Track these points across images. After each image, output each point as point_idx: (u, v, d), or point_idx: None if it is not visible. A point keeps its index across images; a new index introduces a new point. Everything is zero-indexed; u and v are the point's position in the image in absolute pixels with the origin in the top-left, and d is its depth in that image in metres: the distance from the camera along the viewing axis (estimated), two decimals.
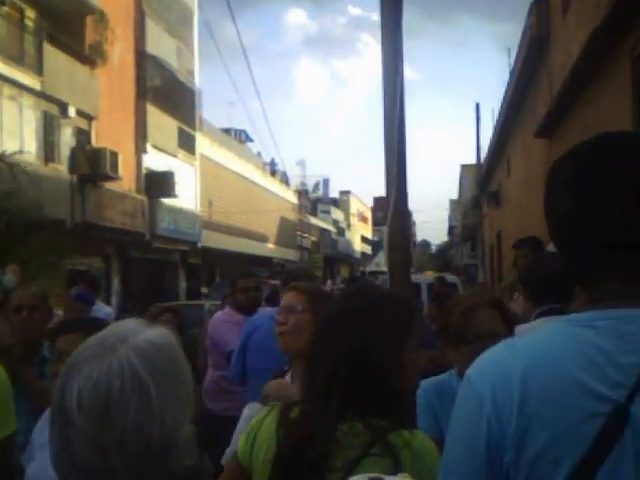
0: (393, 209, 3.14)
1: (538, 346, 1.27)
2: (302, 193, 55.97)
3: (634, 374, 1.19)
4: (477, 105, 34.05)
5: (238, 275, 6.18)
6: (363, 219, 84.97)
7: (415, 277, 20.91)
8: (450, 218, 71.90)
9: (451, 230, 68.48)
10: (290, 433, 1.82)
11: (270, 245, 41.62)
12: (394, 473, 1.51)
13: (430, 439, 1.80)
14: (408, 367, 1.87)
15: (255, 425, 1.96)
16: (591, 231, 1.29)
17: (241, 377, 4.75)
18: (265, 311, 5.37)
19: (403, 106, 3.11)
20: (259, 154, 46.38)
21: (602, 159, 1.31)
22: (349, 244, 75.02)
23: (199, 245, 28.99)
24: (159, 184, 25.18)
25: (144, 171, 25.25)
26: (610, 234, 1.28)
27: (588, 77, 11.64)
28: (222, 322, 6.00)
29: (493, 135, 27.23)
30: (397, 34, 3.14)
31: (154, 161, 25.70)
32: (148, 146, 25.38)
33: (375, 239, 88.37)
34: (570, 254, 1.34)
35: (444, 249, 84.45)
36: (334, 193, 78.94)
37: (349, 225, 78.56)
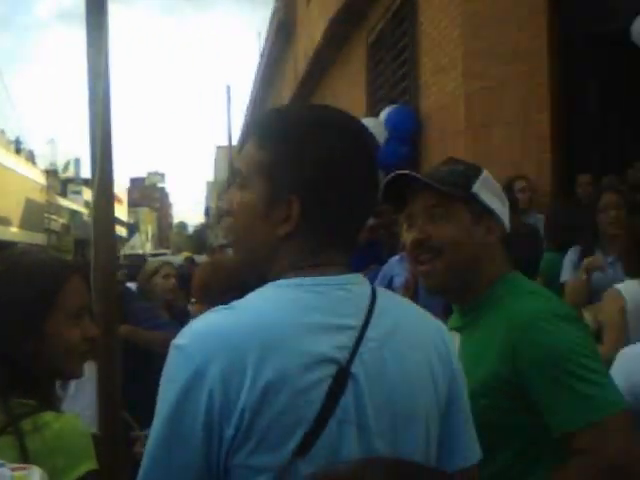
0: (99, 173, 2.99)
1: (264, 312, 1.24)
2: (51, 173, 53.01)
3: (353, 336, 1.24)
4: (228, 88, 34.23)
5: None
6: (118, 200, 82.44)
7: (168, 258, 20.88)
8: (207, 199, 72.19)
9: (207, 211, 68.76)
10: None
11: (13, 229, 38.98)
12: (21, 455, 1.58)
13: (80, 421, 1.77)
14: (52, 339, 1.80)
15: None
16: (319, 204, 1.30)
17: None
18: None
19: (108, 83, 2.98)
20: (2, 132, 43.17)
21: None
22: None
23: None
24: None
25: None
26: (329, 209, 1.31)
27: (328, 63, 12.15)
28: None
29: (245, 117, 27.61)
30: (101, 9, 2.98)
31: None
32: None
33: (131, 221, 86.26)
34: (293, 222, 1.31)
35: (201, 230, 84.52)
36: (87, 173, 75.81)
37: None
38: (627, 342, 2.99)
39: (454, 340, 1.78)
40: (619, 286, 3.46)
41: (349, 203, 1.32)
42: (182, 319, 4.66)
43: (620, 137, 8.16)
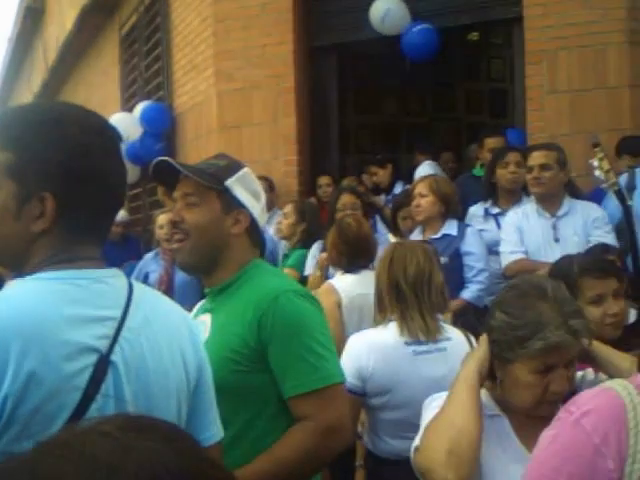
0: None
1: (26, 304, 1.25)
2: None
3: (113, 326, 1.32)
4: None
5: None
6: None
7: None
8: None
9: None
10: None
11: None
12: None
13: None
14: None
15: None
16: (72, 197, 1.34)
17: None
18: None
19: None
20: None
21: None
22: None
23: None
24: None
25: None
26: (92, 202, 1.36)
27: (81, 53, 11.76)
28: None
29: None
30: None
31: None
32: None
33: None
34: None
35: None
36: None
37: None
38: (343, 333, 3.30)
39: (206, 321, 1.99)
40: (332, 281, 3.75)
41: (100, 198, 1.38)
42: None
43: (357, 142, 8.80)
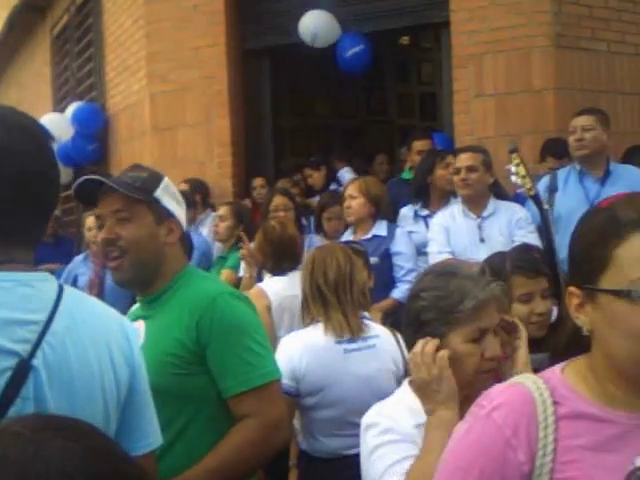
0: None
1: None
2: None
3: (35, 330, 1.30)
4: None
5: None
6: None
7: None
8: None
9: None
10: None
11: None
12: None
13: None
14: None
15: None
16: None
17: None
18: None
19: None
20: None
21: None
22: None
23: None
24: None
25: None
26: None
27: (12, 54, 11.54)
28: None
29: None
30: None
31: None
32: None
33: None
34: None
35: None
36: None
37: None
38: (273, 336, 3.34)
39: (140, 328, 1.99)
40: (262, 285, 3.78)
41: (28, 199, 1.35)
42: None
43: (293, 144, 8.84)
